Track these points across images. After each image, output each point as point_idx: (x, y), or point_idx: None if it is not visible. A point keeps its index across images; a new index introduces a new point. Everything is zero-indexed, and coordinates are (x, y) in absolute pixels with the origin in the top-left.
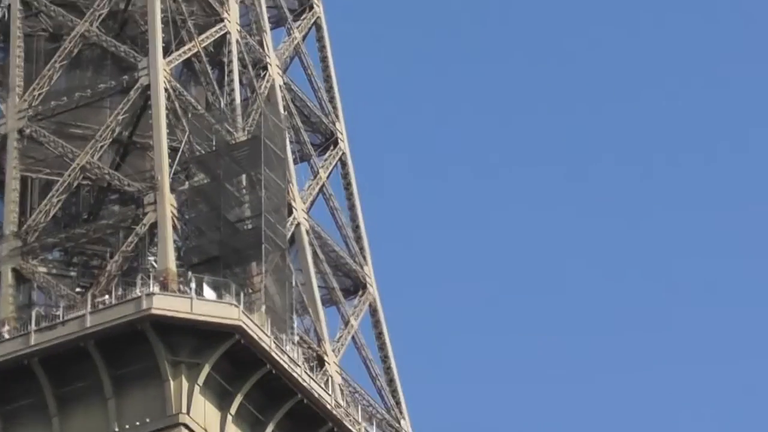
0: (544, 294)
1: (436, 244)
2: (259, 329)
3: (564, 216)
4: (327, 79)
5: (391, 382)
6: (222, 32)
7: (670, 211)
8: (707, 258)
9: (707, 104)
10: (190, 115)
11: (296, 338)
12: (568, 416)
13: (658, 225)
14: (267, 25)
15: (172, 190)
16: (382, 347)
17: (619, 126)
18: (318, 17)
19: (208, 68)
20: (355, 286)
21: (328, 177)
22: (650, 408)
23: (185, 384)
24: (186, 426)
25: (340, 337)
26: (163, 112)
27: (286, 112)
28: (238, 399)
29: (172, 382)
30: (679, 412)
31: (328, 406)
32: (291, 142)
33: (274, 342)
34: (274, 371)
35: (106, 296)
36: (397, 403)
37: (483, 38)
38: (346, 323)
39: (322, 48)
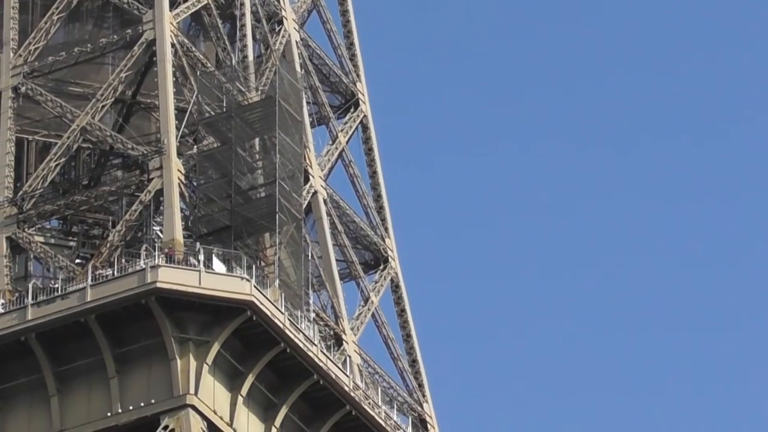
0: (577, 276)
1: (463, 217)
2: (272, 305)
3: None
4: (348, 35)
5: (413, 363)
6: None
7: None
8: None
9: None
10: (198, 73)
11: (312, 315)
12: (598, 400)
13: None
14: None
15: (180, 154)
16: (404, 325)
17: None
18: None
19: (219, 22)
20: (375, 260)
21: (348, 142)
22: None
23: (193, 363)
24: (194, 407)
25: (360, 314)
26: (169, 70)
27: (303, 71)
28: (250, 379)
29: (178, 361)
30: None
31: (346, 388)
32: (308, 103)
33: (289, 319)
34: (288, 350)
35: (108, 268)
36: (420, 385)
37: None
38: (366, 300)
39: (343, 1)
